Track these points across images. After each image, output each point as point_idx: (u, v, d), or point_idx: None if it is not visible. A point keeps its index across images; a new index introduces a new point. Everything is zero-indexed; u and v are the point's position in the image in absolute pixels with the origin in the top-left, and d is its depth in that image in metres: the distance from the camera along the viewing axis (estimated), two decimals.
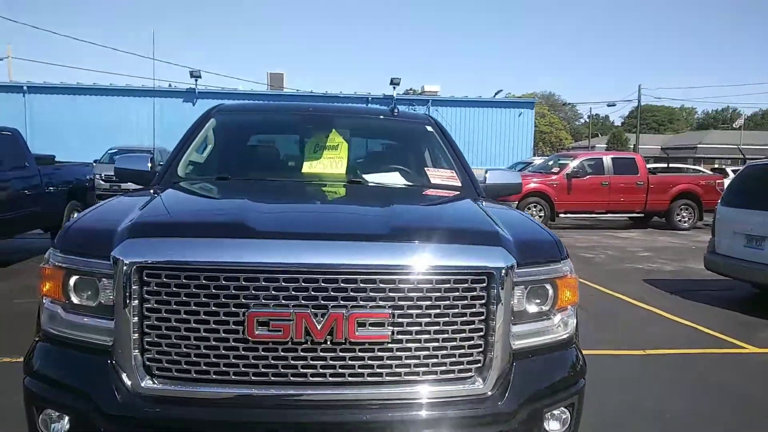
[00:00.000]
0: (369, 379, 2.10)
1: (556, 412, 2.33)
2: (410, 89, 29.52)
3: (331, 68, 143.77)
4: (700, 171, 20.84)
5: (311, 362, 2.06)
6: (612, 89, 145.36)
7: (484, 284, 2.15)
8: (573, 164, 16.25)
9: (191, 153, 3.79)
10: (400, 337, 2.09)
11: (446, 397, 2.14)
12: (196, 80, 27.57)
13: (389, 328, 2.07)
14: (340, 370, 2.08)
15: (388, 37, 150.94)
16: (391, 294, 2.07)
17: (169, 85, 28.91)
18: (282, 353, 2.05)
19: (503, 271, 2.15)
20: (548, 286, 2.35)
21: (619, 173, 16.27)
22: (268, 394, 2.06)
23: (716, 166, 37.61)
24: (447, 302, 2.12)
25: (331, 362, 2.07)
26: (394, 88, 28.72)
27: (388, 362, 2.10)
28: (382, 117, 4.26)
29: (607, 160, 16.62)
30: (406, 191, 3.59)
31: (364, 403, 2.09)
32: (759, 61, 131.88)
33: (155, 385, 2.06)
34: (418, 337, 2.11)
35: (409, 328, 2.10)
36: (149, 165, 3.77)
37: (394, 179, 3.80)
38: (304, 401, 2.08)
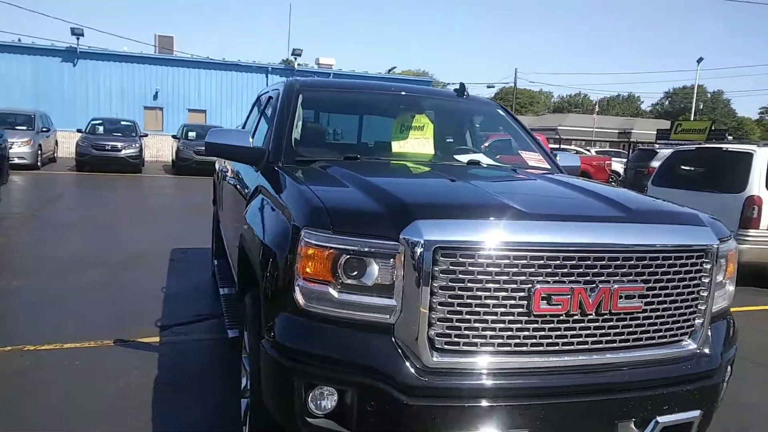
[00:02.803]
0: (620, 344, 2.36)
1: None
2: (289, 59, 28.08)
3: (223, 34, 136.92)
4: (583, 152, 22.94)
5: (579, 332, 2.28)
6: (483, 72, 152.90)
7: (703, 258, 2.49)
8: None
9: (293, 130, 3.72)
10: (646, 307, 2.37)
11: (673, 357, 2.46)
12: (78, 38, 25.03)
13: (640, 299, 2.35)
14: (600, 338, 2.32)
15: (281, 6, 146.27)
16: (643, 269, 2.34)
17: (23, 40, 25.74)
18: (557, 324, 2.25)
19: (715, 247, 2.50)
20: (723, 260, 2.74)
21: None
22: (543, 361, 2.26)
23: (573, 146, 41.22)
24: (680, 275, 2.42)
25: (594, 331, 2.30)
26: (295, 59, 28.20)
27: (636, 329, 2.37)
28: (456, 99, 4.42)
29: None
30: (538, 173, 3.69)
31: (618, 366, 2.35)
32: (608, 50, 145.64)
33: (445, 359, 2.16)
34: (659, 306, 2.40)
35: (653, 299, 2.38)
36: (250, 140, 3.66)
37: (483, 160, 4.03)
38: (571, 367, 2.29)
